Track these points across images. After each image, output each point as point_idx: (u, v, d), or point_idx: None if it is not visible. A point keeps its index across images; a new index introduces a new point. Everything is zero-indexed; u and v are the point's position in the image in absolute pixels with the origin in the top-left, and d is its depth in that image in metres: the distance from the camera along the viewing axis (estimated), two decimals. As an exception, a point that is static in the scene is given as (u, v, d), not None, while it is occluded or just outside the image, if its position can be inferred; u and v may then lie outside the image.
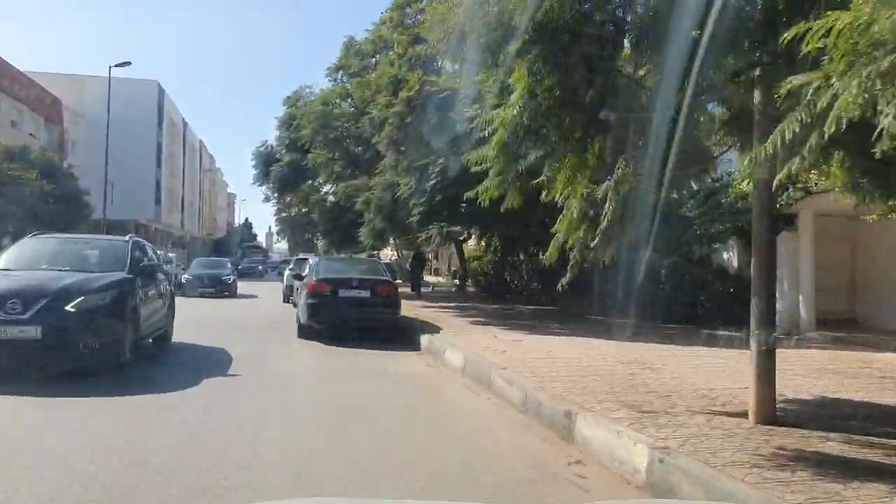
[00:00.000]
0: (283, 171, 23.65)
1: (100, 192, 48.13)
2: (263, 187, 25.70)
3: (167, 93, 54.77)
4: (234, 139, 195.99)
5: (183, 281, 22.39)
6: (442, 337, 10.73)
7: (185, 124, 64.57)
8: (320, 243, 29.38)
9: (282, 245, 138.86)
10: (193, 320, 12.35)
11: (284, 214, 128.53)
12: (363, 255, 22.19)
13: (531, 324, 13.17)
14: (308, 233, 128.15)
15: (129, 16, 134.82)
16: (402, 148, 14.68)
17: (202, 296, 21.89)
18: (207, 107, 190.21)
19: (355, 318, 11.34)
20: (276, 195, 25.48)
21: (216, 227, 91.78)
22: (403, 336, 11.62)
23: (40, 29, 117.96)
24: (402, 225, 16.75)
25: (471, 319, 14.07)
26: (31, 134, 38.45)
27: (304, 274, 14.08)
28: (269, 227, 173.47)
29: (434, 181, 13.70)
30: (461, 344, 9.65)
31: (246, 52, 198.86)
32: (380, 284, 11.94)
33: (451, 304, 17.57)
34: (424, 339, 10.75)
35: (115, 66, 29.68)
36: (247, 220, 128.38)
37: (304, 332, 11.64)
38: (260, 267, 53.07)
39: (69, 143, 45.39)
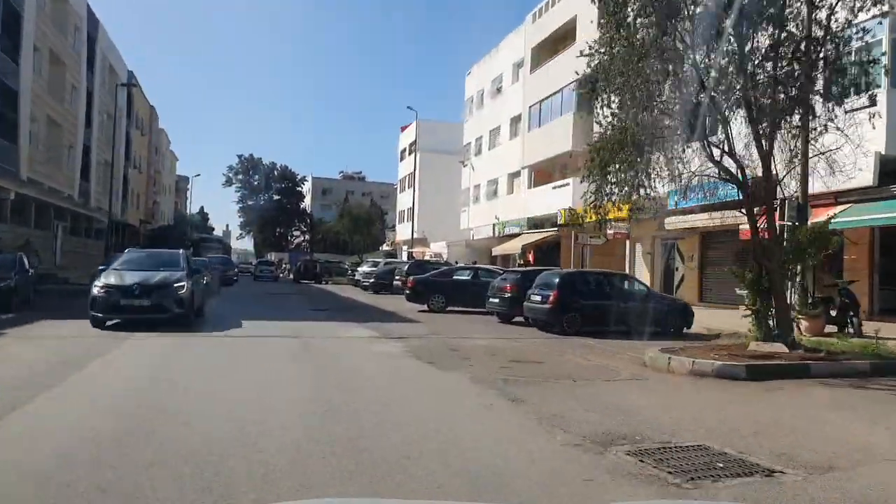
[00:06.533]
0: None
1: None
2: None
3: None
4: (189, 121, 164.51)
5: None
6: None
7: (98, 21, 37.69)
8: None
9: (244, 244, 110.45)
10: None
11: (251, 202, 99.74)
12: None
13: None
14: (280, 227, 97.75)
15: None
16: None
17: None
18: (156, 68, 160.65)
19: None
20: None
21: (157, 213, 64.46)
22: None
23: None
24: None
25: None
26: None
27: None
28: (227, 226, 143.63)
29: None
30: None
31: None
32: None
33: None
34: None
35: None
36: (202, 208, 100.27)
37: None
38: (234, 271, 29.46)
39: None
